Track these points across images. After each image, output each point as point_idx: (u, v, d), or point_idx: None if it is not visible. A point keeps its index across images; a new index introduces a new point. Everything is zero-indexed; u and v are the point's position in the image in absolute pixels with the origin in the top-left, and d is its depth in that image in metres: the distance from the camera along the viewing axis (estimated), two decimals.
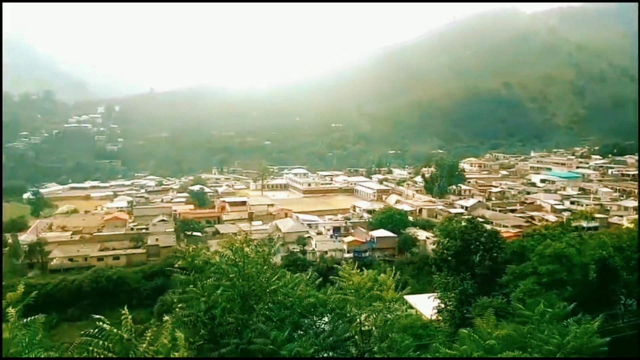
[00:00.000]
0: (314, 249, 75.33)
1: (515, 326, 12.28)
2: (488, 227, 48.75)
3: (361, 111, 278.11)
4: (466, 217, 71.62)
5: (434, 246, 44.37)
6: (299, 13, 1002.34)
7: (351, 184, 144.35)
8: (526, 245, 42.01)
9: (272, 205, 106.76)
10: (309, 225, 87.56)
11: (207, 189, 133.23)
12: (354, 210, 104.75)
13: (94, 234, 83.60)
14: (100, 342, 6.84)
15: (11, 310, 7.16)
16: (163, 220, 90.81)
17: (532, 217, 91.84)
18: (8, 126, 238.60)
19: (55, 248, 73.50)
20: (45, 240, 74.85)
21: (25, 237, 78.07)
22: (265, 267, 10.30)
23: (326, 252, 73.93)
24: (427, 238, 75.63)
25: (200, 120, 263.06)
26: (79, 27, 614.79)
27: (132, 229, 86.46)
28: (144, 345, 6.70)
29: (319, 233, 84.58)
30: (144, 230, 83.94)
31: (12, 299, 7.39)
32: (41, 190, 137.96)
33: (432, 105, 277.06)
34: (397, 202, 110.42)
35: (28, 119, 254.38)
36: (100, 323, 7.06)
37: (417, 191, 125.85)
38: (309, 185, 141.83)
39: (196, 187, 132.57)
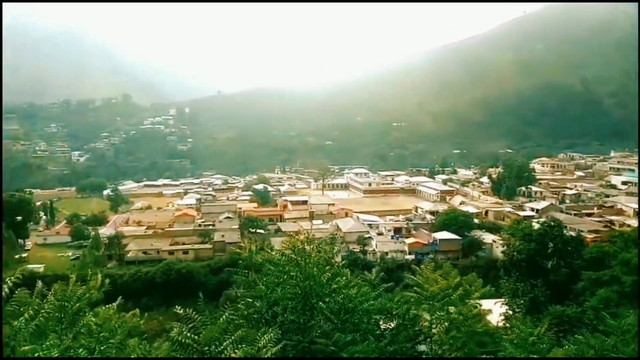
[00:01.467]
0: (374, 250, 74.74)
1: (593, 337, 11.39)
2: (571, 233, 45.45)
3: (424, 110, 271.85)
4: (537, 220, 67.84)
5: (504, 249, 42.22)
6: (359, 11, 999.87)
7: (413, 184, 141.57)
8: (608, 250, 38.46)
9: (332, 204, 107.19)
10: (370, 226, 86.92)
11: (270, 188, 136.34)
12: (416, 211, 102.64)
13: (166, 229, 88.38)
14: (186, 329, 7.14)
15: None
16: (228, 217, 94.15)
17: (611, 222, 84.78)
18: (91, 128, 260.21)
19: (131, 241, 78.73)
20: (122, 234, 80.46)
21: (104, 231, 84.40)
22: (326, 267, 10.27)
23: (387, 253, 73.13)
24: (494, 241, 72.43)
25: (264, 121, 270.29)
26: (154, 33, 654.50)
27: (200, 225, 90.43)
28: (229, 340, 6.88)
29: (380, 233, 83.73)
30: (210, 227, 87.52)
31: (93, 286, 8.04)
32: (119, 188, 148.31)
33: (500, 103, 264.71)
34: (462, 203, 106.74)
35: (108, 121, 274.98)
36: (190, 310, 7.41)
37: (483, 192, 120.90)
38: (370, 185, 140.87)
39: (260, 186, 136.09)
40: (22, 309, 6.55)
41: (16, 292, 6.71)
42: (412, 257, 70.30)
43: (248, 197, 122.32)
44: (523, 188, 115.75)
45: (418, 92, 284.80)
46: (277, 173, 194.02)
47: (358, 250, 74.19)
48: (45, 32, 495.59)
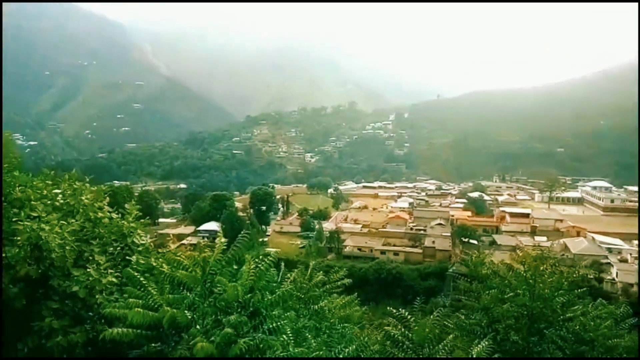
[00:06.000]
0: (613, 279, 62.74)
1: None
2: None
3: None
4: None
5: None
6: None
7: None
8: None
9: (560, 220, 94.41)
10: (609, 250, 73.41)
11: (486, 197, 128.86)
12: None
13: (379, 229, 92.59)
14: (400, 327, 7.51)
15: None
16: (440, 224, 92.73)
17: None
18: (322, 133, 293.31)
19: (348, 237, 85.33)
20: (341, 229, 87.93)
21: (327, 225, 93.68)
22: (560, 291, 9.15)
23: (632, 284, 60.43)
24: None
25: (484, 125, 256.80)
26: (379, 44, 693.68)
27: (411, 228, 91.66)
28: (443, 344, 6.98)
29: (623, 260, 69.83)
30: (422, 232, 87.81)
31: (333, 277, 9.13)
32: (340, 187, 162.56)
33: None
34: None
35: (336, 126, 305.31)
36: (404, 311, 7.80)
37: None
38: (612, 201, 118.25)
39: (475, 194, 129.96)
40: (271, 284, 7.92)
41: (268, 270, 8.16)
42: None
43: (462, 205, 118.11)
44: None
45: None
46: (495, 181, 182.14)
47: (592, 277, 63.34)
48: (288, 53, 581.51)
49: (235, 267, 6.85)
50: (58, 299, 6.34)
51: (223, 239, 7.13)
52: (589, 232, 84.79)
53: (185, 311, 6.03)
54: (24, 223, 6.34)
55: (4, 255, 6.53)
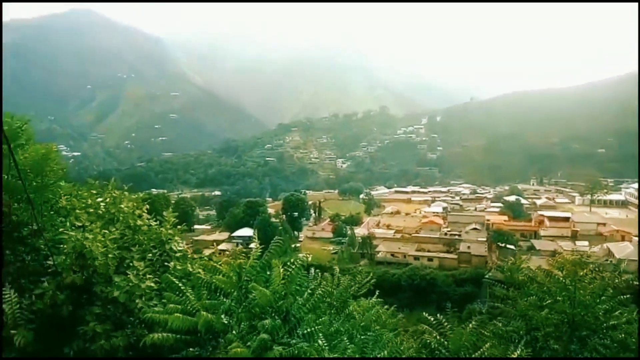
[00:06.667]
0: None
1: None
2: None
3: None
4: None
5: None
6: None
7: None
8: None
9: (603, 224, 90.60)
10: None
11: (523, 200, 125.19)
12: None
13: (412, 235, 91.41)
14: (436, 334, 7.43)
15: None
16: (475, 228, 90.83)
17: None
18: (353, 138, 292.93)
19: (380, 243, 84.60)
20: (373, 235, 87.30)
21: (359, 231, 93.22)
22: (602, 297, 8.79)
23: None
24: None
25: (520, 127, 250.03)
26: (408, 47, 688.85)
27: (445, 233, 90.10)
28: (479, 352, 6.86)
29: None
30: (456, 237, 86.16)
31: (359, 280, 9.12)
32: (372, 192, 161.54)
33: None
34: None
35: (367, 131, 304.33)
36: (440, 317, 7.71)
37: None
38: None
39: (512, 198, 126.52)
40: (302, 288, 7.97)
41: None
42: None
43: (497, 209, 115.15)
44: None
45: None
46: (533, 184, 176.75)
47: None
48: (318, 61, 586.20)
49: (267, 272, 6.94)
50: (100, 304, 6.59)
51: (257, 245, 7.23)
52: (634, 236, 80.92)
53: (222, 316, 6.14)
54: (69, 232, 6.63)
55: (52, 263, 6.86)
